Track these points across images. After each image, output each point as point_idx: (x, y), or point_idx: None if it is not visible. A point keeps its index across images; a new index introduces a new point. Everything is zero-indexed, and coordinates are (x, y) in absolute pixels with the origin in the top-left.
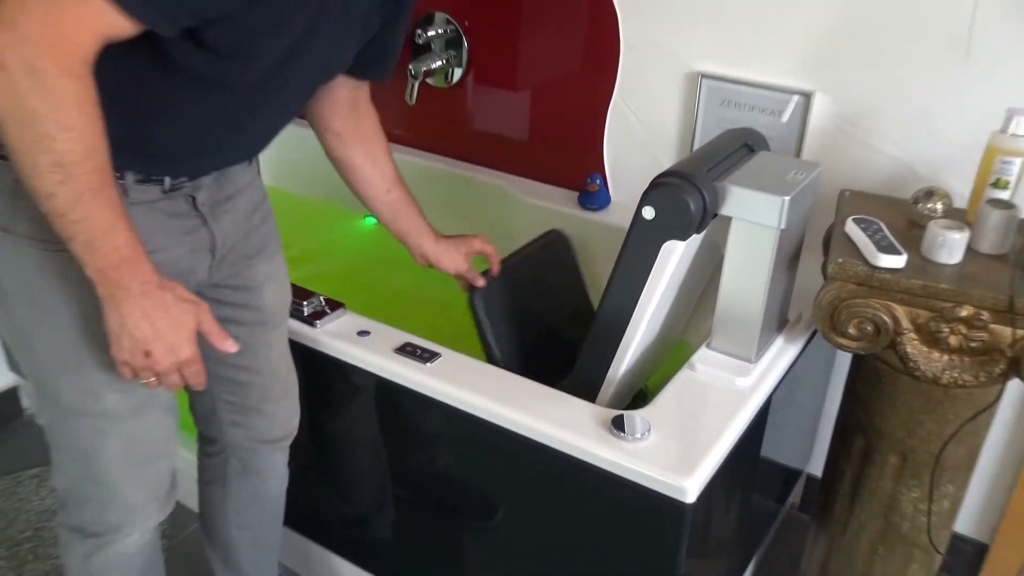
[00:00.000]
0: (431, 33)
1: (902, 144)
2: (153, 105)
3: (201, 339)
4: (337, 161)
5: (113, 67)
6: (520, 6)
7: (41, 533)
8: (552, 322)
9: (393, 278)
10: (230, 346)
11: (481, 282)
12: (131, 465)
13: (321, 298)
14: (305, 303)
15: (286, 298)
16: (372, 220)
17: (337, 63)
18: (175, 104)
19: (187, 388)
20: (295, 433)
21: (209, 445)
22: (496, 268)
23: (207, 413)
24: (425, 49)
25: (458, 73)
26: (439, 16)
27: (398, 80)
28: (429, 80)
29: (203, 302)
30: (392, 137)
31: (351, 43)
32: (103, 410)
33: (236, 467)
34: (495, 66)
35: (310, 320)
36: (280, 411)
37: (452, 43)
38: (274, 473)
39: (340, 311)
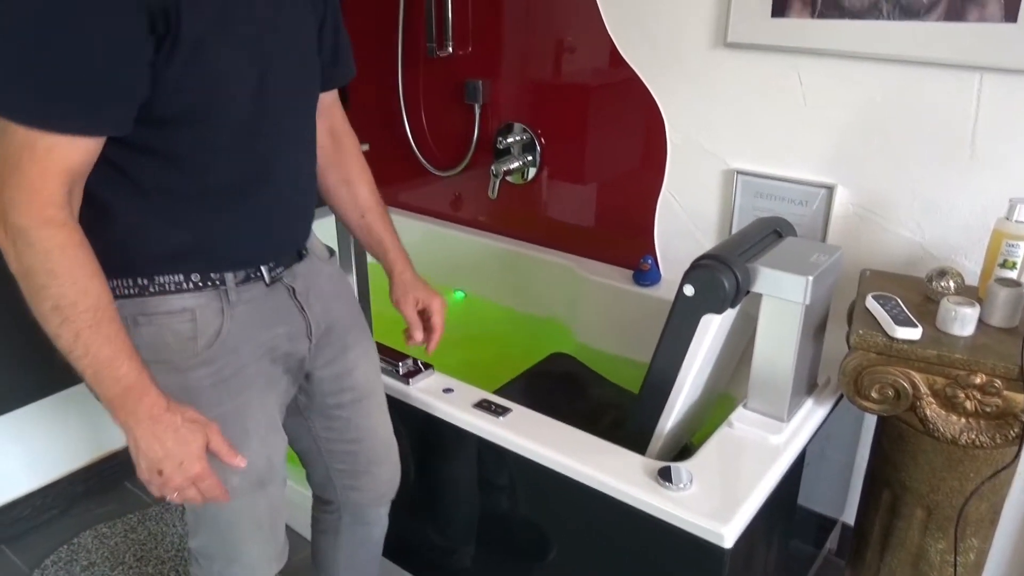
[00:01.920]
0: (510, 140)
1: (916, 228)
2: (183, 189)
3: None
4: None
5: (135, 193)
6: (585, 117)
7: (183, 554)
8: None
9: (476, 344)
10: (240, 462)
11: (418, 340)
12: (252, 531)
13: (414, 360)
14: (400, 364)
15: (376, 371)
16: (461, 294)
17: (307, 63)
18: (199, 174)
19: (303, 460)
20: (398, 486)
21: (325, 504)
22: (432, 344)
23: (323, 482)
24: (505, 153)
25: (532, 171)
26: (517, 125)
27: (483, 178)
28: (508, 178)
29: (212, 423)
30: (477, 224)
31: (306, 38)
32: (229, 488)
33: (347, 521)
34: (563, 165)
35: (404, 378)
36: (385, 471)
37: (528, 147)
38: (379, 522)
39: (429, 371)
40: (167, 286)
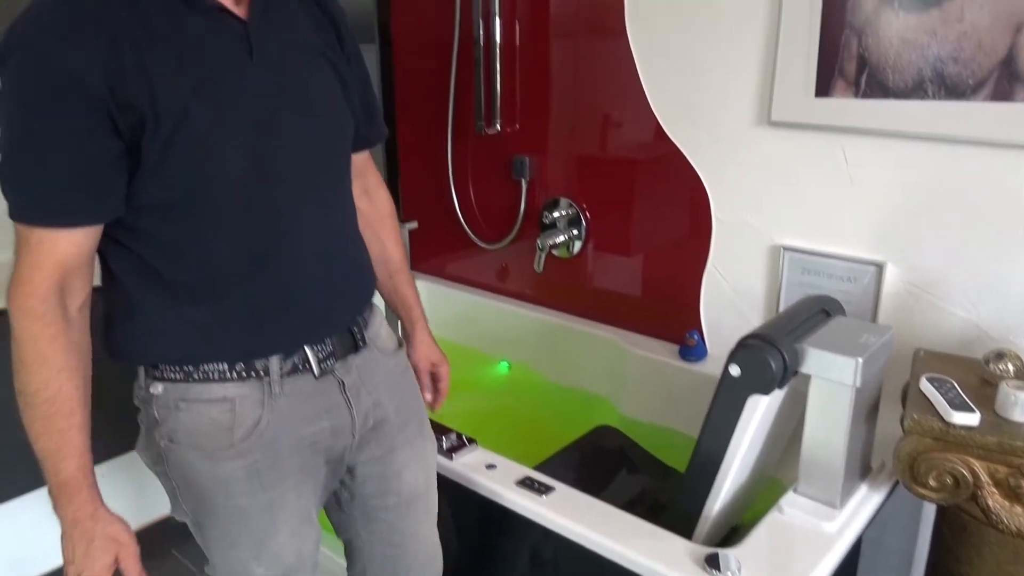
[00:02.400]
0: (556, 214)
1: (972, 308)
2: (197, 272)
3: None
4: None
5: (154, 279)
6: (630, 192)
7: None
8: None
9: (520, 414)
10: None
11: (427, 400)
12: None
13: (457, 435)
14: (444, 438)
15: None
16: (506, 365)
17: (326, 126)
18: (208, 256)
19: (345, 549)
20: None
21: None
22: (438, 405)
23: None
24: (551, 226)
25: (578, 245)
26: (563, 200)
27: (529, 251)
28: (554, 252)
29: (132, 544)
30: (523, 296)
31: (323, 99)
32: None
33: None
34: (608, 239)
35: (447, 453)
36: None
37: (573, 221)
38: None
39: (472, 446)
40: (211, 374)
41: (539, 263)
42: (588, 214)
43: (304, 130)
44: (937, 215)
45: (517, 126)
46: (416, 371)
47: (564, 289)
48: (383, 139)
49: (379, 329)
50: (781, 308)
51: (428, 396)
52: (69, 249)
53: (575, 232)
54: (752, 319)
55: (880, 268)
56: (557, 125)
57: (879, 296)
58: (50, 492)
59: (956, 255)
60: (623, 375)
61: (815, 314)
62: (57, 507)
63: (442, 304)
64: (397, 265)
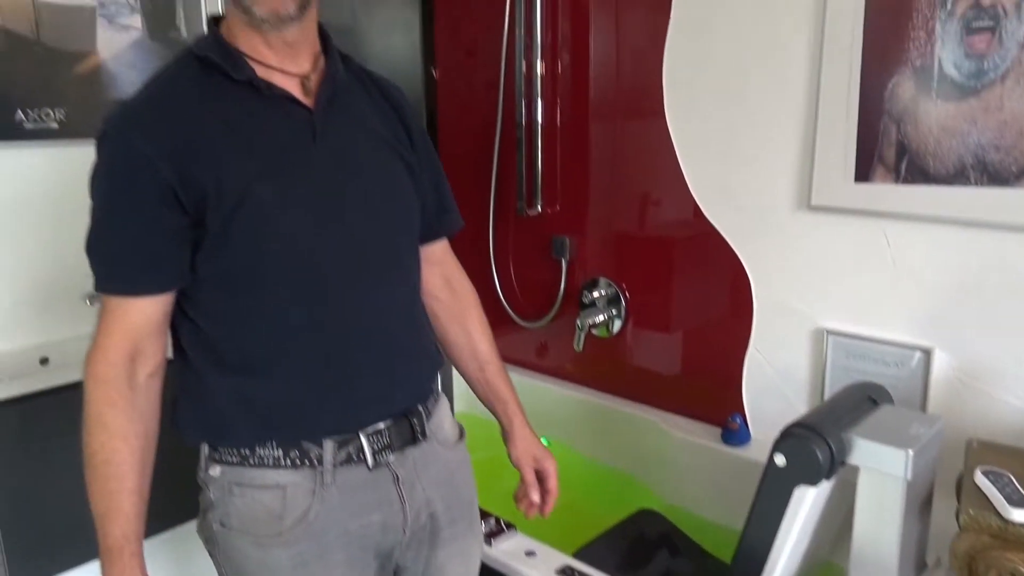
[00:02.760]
0: (596, 294)
1: None
2: (254, 350)
3: None
4: (436, 331)
5: (214, 356)
6: (669, 273)
7: None
8: None
9: (560, 494)
10: None
11: (535, 502)
12: None
13: (496, 519)
14: (483, 522)
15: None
16: (545, 443)
17: (389, 213)
18: (266, 334)
19: None
20: None
21: None
22: (548, 508)
23: None
24: (591, 306)
25: (618, 324)
26: (603, 280)
27: (569, 329)
28: (594, 331)
29: None
30: (562, 374)
31: (390, 186)
32: None
33: None
34: (648, 319)
35: (487, 539)
36: None
37: (613, 301)
38: None
39: (512, 531)
40: (266, 460)
41: (579, 342)
42: (627, 294)
43: (364, 213)
44: (986, 301)
45: (558, 207)
46: (519, 470)
47: (604, 368)
48: (458, 229)
49: (442, 420)
50: (826, 392)
51: (535, 496)
52: (139, 317)
53: (614, 311)
54: (796, 404)
55: (928, 354)
56: (596, 206)
57: (928, 383)
58: (99, 552)
59: (1007, 342)
60: (664, 457)
61: (862, 402)
62: (103, 570)
63: None
64: (486, 357)
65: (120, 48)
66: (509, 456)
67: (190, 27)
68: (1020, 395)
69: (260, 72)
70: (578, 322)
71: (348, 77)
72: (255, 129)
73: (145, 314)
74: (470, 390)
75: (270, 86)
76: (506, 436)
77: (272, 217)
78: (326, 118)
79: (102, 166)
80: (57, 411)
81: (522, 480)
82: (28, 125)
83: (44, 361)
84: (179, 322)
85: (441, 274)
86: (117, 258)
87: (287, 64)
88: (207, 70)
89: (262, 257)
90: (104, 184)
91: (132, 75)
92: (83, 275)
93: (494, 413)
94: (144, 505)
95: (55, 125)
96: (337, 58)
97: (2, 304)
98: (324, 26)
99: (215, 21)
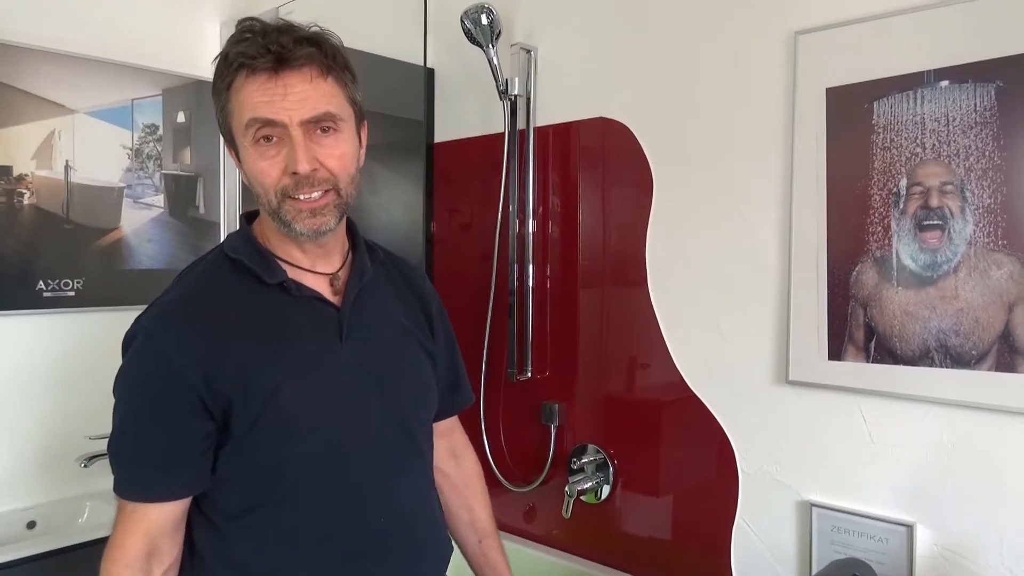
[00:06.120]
0: (583, 460)
1: (1008, 574)
2: (273, 543)
3: None
4: (439, 501)
5: (225, 550)
6: (656, 441)
7: None
8: None
9: None
10: None
11: None
12: None
13: None
14: None
15: None
16: None
17: (407, 401)
18: (288, 529)
19: None
20: None
21: None
22: None
23: None
24: (579, 472)
25: (606, 490)
26: (591, 447)
27: (557, 494)
28: (582, 498)
29: None
30: (549, 540)
31: (411, 376)
32: None
33: None
34: (636, 485)
35: None
36: None
37: (601, 467)
38: None
39: None
40: None
41: (567, 509)
42: (616, 460)
43: (386, 406)
44: (961, 477)
45: (547, 372)
46: None
47: (592, 535)
48: (469, 404)
49: None
50: (814, 565)
51: None
52: (159, 518)
53: (602, 477)
54: (784, 574)
55: (911, 529)
56: (585, 372)
57: (913, 558)
58: None
59: (986, 518)
60: None
61: None
62: None
63: None
64: (486, 530)
65: (141, 224)
66: None
67: (209, 206)
68: (1002, 572)
69: (291, 273)
70: (567, 490)
71: (374, 268)
72: (284, 331)
73: (164, 514)
74: (463, 558)
75: (300, 287)
76: None
77: (296, 421)
78: (353, 315)
79: (131, 368)
80: None
81: None
82: (47, 294)
83: (31, 525)
84: (194, 520)
85: (448, 447)
86: (141, 465)
87: (319, 265)
88: (239, 271)
89: (283, 461)
90: (131, 388)
91: (150, 248)
92: (80, 439)
93: None
94: None
95: (72, 293)
96: (364, 251)
97: None
98: (351, 219)
99: (247, 218)
